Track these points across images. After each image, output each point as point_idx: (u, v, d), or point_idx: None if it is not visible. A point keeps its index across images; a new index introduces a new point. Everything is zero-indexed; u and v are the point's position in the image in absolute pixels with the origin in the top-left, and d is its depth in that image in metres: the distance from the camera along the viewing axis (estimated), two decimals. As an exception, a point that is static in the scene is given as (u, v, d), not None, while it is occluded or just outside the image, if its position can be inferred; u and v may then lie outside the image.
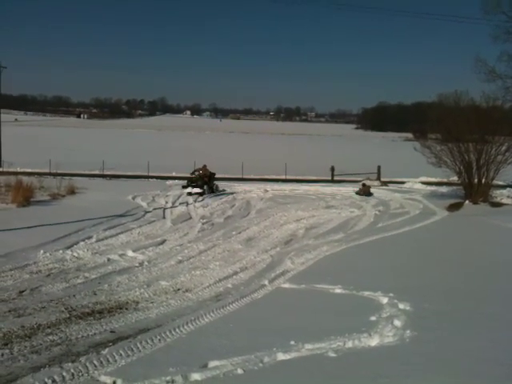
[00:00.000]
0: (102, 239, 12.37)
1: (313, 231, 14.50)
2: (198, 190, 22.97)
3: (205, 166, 25.24)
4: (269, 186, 27.46)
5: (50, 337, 6.22)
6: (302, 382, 4.76)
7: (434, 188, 28.18)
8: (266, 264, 10.50)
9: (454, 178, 23.63)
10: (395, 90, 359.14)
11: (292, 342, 5.68)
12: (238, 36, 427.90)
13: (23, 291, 8.20)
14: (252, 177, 33.91)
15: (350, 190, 26.82)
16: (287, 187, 27.82)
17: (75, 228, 13.30)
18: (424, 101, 42.87)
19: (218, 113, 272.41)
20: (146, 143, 70.01)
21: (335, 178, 34.96)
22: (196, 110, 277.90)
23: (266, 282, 8.93)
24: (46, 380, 4.78)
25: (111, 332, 6.45)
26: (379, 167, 34.71)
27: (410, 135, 67.47)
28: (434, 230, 15.77)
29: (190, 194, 22.58)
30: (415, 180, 32.35)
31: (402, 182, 32.05)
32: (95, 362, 5.24)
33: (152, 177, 32.31)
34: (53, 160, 32.33)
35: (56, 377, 4.85)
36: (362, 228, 15.25)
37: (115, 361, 5.29)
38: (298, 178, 33.94)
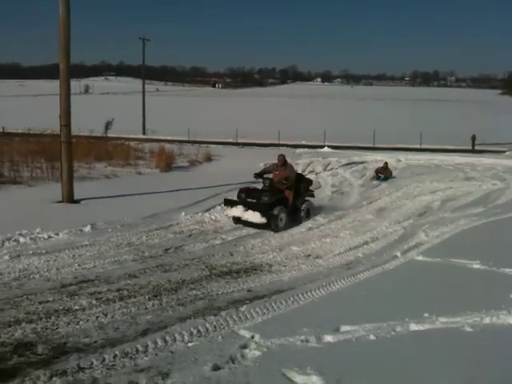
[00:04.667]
0: (237, 204, 12.96)
1: (449, 204, 13.81)
2: (257, 217, 10.67)
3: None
4: (402, 156, 26.51)
5: (194, 291, 6.79)
6: (437, 352, 4.68)
7: None
8: (398, 235, 10.29)
9: None
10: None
11: (426, 314, 5.58)
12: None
13: (168, 249, 9.00)
14: (384, 146, 32.98)
15: (492, 161, 24.93)
16: (422, 157, 26.61)
17: (212, 193, 14.12)
18: None
19: (350, 79, 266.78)
20: (277, 111, 70.96)
21: (476, 148, 32.70)
22: (327, 77, 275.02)
23: (398, 254, 8.76)
24: (192, 330, 5.24)
25: (248, 291, 6.86)
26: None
27: None
28: None
29: (238, 220, 11.09)
30: None
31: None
32: (234, 316, 5.63)
33: (282, 145, 32.89)
34: (191, 129, 34.30)
35: (200, 327, 5.30)
36: (504, 202, 14.14)
37: (252, 317, 5.63)
38: (433, 147, 32.32)
